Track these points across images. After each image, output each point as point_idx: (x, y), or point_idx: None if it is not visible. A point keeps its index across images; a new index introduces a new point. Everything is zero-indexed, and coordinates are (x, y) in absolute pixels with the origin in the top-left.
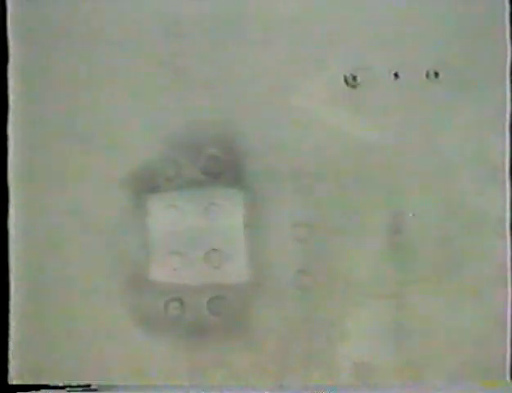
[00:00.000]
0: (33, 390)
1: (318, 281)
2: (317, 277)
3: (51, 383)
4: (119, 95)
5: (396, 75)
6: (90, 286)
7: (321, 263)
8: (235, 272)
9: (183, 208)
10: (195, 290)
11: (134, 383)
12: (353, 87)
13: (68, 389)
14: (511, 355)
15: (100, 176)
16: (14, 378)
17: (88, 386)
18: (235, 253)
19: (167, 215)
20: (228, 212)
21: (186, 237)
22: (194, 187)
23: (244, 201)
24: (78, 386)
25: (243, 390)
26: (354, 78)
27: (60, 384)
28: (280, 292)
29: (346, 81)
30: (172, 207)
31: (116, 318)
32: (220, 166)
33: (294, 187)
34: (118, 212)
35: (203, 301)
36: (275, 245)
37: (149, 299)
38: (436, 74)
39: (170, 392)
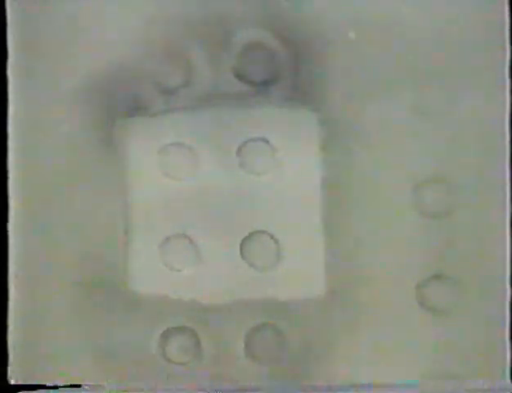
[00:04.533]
0: (32, 390)
1: None
2: None
3: (49, 383)
4: None
5: None
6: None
7: None
8: (302, 277)
9: (198, 150)
10: (220, 313)
11: (131, 384)
12: None
13: (62, 389)
14: (511, 355)
15: None
16: (14, 378)
17: (86, 386)
18: (304, 240)
19: (166, 164)
20: (288, 158)
21: (205, 207)
22: (219, 106)
23: (323, 135)
24: (75, 386)
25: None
26: None
27: (58, 384)
28: (400, 320)
29: None
30: (177, 148)
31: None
32: (272, 65)
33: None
34: (69, 155)
35: (236, 336)
36: (385, 222)
37: (128, 328)
38: None
39: None
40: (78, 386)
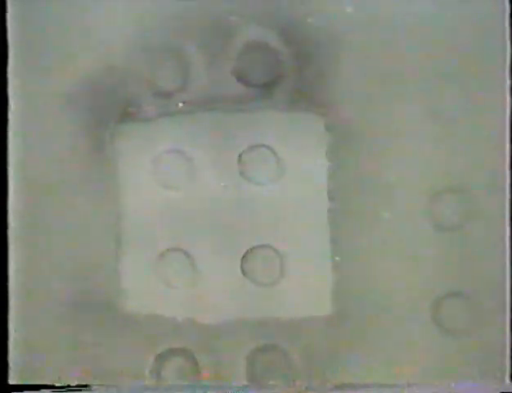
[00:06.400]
0: (33, 390)
1: None
2: None
3: (51, 383)
4: None
5: None
6: None
7: None
8: (308, 294)
9: (196, 157)
10: (220, 333)
11: (133, 384)
12: None
13: (67, 389)
14: (511, 355)
15: None
16: (14, 378)
17: (88, 386)
18: (310, 255)
19: (161, 173)
20: (293, 167)
21: (203, 219)
22: (218, 111)
23: (330, 142)
24: (78, 387)
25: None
26: None
27: (60, 384)
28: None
29: None
30: (174, 156)
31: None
32: (275, 66)
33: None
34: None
35: (237, 358)
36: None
37: (120, 349)
38: None
39: None
40: (86, 385)
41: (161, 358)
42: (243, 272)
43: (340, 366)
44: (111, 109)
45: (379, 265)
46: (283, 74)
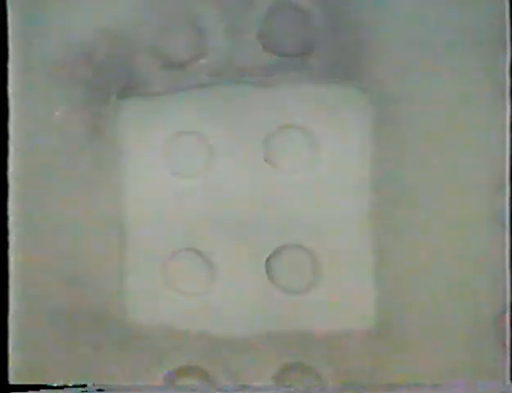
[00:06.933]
0: (33, 390)
1: None
2: None
3: (50, 383)
4: None
5: None
6: None
7: None
8: (345, 304)
9: (214, 139)
10: (240, 349)
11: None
12: None
13: (67, 389)
14: (511, 355)
15: None
16: (14, 378)
17: (87, 386)
18: (349, 257)
19: (172, 158)
20: (329, 151)
21: (221, 213)
22: (241, 84)
23: (374, 121)
24: (77, 387)
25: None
26: None
27: (59, 384)
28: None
29: None
30: (187, 138)
31: None
32: (307, 30)
33: None
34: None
35: (261, 379)
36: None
37: (123, 367)
38: None
39: None
40: (84, 385)
41: (170, 377)
42: (268, 276)
43: (379, 387)
44: (113, 81)
45: (433, 270)
46: (316, 40)
